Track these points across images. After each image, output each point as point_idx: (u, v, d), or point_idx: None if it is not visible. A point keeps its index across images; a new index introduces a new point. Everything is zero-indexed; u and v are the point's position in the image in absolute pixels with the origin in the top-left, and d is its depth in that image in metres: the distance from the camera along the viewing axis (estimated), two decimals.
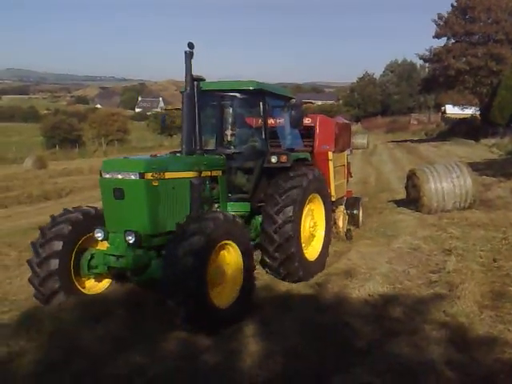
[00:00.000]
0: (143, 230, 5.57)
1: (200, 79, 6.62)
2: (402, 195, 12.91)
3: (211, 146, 7.54)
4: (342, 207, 9.51)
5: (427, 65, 54.57)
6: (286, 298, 6.33)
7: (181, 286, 4.93)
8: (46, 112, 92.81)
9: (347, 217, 9.68)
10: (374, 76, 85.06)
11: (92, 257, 5.97)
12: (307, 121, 8.57)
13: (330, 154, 8.65)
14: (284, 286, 6.73)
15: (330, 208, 8.02)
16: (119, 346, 4.92)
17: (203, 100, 6.77)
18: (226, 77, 7.61)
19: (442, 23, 46.68)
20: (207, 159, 6.66)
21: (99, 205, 6.22)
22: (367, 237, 9.55)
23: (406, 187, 12.30)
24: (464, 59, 44.39)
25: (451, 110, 65.04)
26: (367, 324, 5.38)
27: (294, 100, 7.90)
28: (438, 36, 47.34)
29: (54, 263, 5.73)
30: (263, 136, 7.20)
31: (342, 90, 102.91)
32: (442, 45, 47.32)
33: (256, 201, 7.11)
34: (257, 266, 6.60)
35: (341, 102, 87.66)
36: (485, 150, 31.23)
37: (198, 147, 6.69)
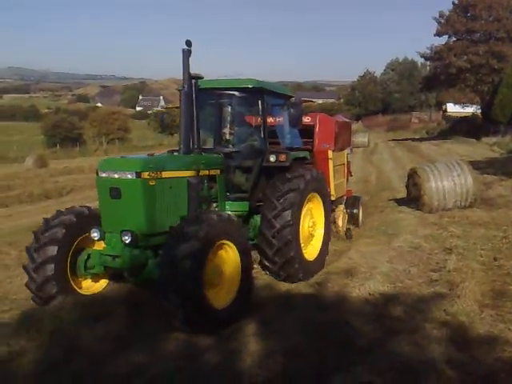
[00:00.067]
0: (140, 230, 5.52)
1: (198, 77, 6.56)
2: (403, 194, 12.88)
3: (209, 144, 7.49)
4: (341, 206, 9.50)
5: (428, 63, 54.43)
6: (287, 297, 6.32)
7: (178, 289, 4.89)
8: (46, 111, 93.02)
9: (347, 216, 9.67)
10: (375, 74, 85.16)
11: (88, 257, 5.92)
12: (307, 119, 8.55)
13: (330, 153, 8.61)
14: (284, 286, 6.72)
15: (329, 207, 7.97)
16: (119, 345, 4.93)
17: (201, 98, 6.70)
18: (226, 75, 7.55)
19: (443, 21, 46.53)
20: (205, 158, 6.61)
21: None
22: (368, 235, 9.54)
23: (407, 186, 12.28)
24: (465, 57, 44.24)
25: (452, 109, 64.81)
26: (368, 323, 5.37)
27: (293, 98, 7.85)
28: (439, 34, 47.20)
29: (50, 268, 5.66)
30: (262, 135, 7.13)
31: (343, 89, 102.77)
32: (444, 43, 47.20)
33: (254, 200, 7.05)
34: (256, 266, 6.58)
35: (342, 100, 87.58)
36: (486, 148, 31.13)
37: (195, 146, 6.62)
